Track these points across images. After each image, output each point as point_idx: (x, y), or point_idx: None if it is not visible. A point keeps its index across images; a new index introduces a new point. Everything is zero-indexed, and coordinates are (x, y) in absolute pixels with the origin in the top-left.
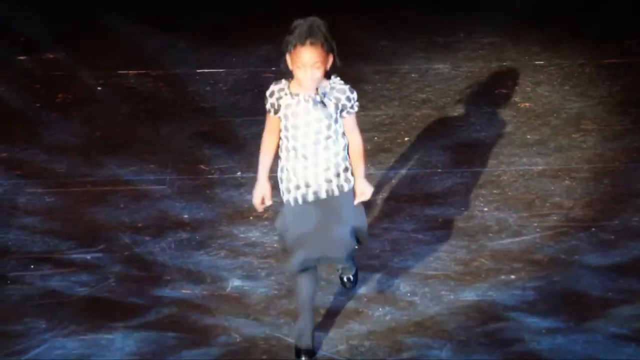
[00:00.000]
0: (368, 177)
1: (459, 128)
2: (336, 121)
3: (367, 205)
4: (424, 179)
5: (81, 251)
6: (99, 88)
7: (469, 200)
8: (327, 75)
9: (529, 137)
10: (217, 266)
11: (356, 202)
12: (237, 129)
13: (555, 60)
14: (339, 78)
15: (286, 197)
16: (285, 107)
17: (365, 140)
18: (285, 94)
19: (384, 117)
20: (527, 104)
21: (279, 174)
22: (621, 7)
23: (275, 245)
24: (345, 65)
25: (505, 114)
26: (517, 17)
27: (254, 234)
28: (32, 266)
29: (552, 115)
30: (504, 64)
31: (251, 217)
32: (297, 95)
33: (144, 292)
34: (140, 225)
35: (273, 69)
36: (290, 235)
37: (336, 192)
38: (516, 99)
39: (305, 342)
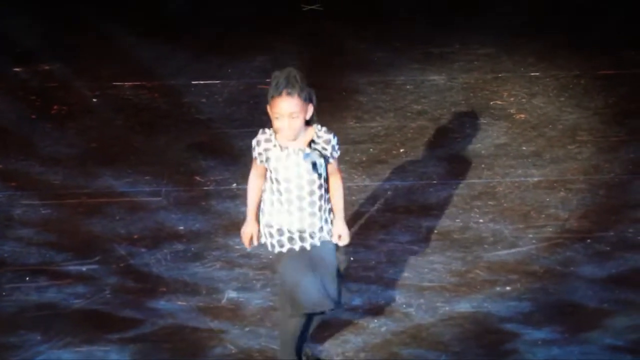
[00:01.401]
0: (364, 188)
1: (455, 139)
2: (325, 169)
3: (361, 216)
4: (420, 190)
5: (77, 263)
6: (94, 99)
7: (464, 211)
8: (308, 123)
9: (524, 148)
10: (212, 278)
11: (335, 242)
12: (233, 140)
13: (550, 71)
14: (320, 126)
15: (277, 249)
16: (275, 160)
17: (361, 152)
18: (274, 146)
19: (379, 129)
20: (522, 115)
21: (266, 227)
22: (616, 18)
23: (270, 257)
24: (340, 76)
25: (500, 125)
26: (512, 28)
27: None
28: (27, 278)
29: (548, 127)
30: (500, 75)
31: None
32: (287, 148)
33: (139, 303)
34: (135, 236)
35: (268, 80)
36: (293, 277)
37: (326, 238)
38: (512, 111)
39: None
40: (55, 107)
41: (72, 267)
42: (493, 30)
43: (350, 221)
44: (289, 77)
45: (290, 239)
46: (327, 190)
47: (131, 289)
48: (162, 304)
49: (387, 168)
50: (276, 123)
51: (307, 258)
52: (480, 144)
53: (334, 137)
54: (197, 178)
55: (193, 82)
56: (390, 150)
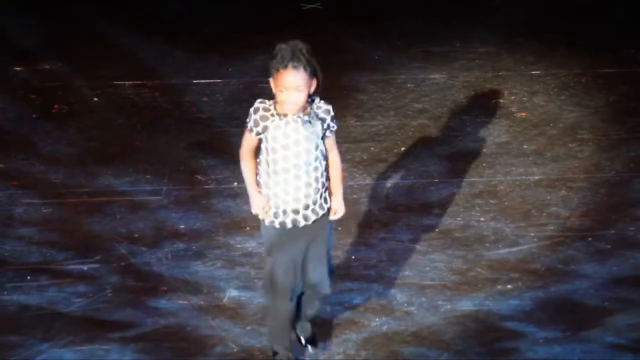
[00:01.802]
0: (365, 187)
1: (456, 138)
2: (322, 141)
3: (362, 215)
4: (421, 188)
5: (78, 262)
6: (95, 98)
7: (465, 210)
8: (310, 99)
9: (525, 146)
10: (213, 276)
11: (331, 218)
12: (234, 139)
13: (551, 69)
14: (318, 99)
15: (275, 220)
16: (274, 128)
17: (362, 150)
18: (272, 115)
19: (380, 127)
20: (523, 114)
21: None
22: (617, 16)
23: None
24: (341, 75)
25: (501, 123)
26: (513, 26)
27: (250, 244)
28: (28, 277)
29: (549, 125)
30: (500, 73)
31: (248, 228)
32: (285, 116)
33: (140, 302)
34: (136, 235)
35: (269, 79)
36: (276, 260)
37: (320, 214)
38: (512, 109)
39: (287, 357)
40: (55, 106)
41: (73, 266)
42: (494, 29)
43: (351, 219)
44: (295, 50)
45: (284, 212)
46: (325, 167)
47: (132, 288)
48: (163, 302)
49: (387, 166)
50: (280, 96)
51: (297, 237)
52: (481, 143)
53: (332, 109)
54: (198, 177)
55: (194, 81)
56: (391, 148)
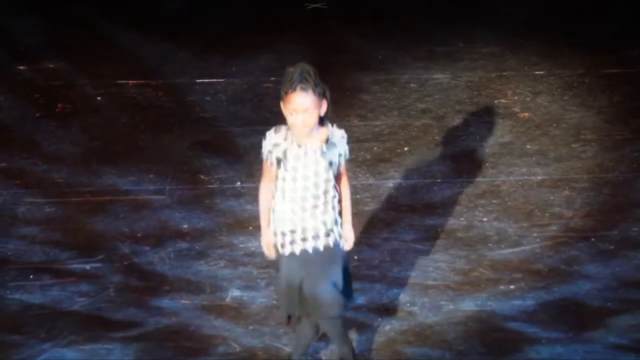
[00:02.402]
0: (368, 187)
1: (459, 138)
2: (335, 170)
3: (366, 215)
4: (424, 188)
5: (80, 261)
6: (98, 98)
7: (468, 210)
8: (322, 121)
9: (528, 147)
10: (216, 276)
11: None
12: (237, 138)
13: (554, 70)
14: (332, 125)
15: (287, 249)
16: (294, 159)
17: (365, 150)
18: (292, 144)
19: (383, 127)
20: (526, 114)
21: (276, 225)
22: (620, 16)
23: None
24: (344, 75)
25: (504, 123)
26: (516, 27)
27: (253, 244)
28: (31, 276)
29: (552, 125)
30: (504, 73)
31: (251, 227)
32: (304, 145)
33: (143, 302)
34: (139, 235)
35: (272, 79)
36: (287, 287)
37: (332, 244)
38: (516, 109)
39: None
40: (59, 105)
41: (76, 266)
42: (497, 29)
43: (354, 220)
44: (302, 73)
45: (302, 240)
46: (336, 193)
47: (135, 287)
48: (165, 302)
49: (390, 166)
50: (290, 119)
51: (317, 264)
52: (485, 143)
53: (347, 137)
54: (201, 176)
55: (197, 81)
56: (394, 148)
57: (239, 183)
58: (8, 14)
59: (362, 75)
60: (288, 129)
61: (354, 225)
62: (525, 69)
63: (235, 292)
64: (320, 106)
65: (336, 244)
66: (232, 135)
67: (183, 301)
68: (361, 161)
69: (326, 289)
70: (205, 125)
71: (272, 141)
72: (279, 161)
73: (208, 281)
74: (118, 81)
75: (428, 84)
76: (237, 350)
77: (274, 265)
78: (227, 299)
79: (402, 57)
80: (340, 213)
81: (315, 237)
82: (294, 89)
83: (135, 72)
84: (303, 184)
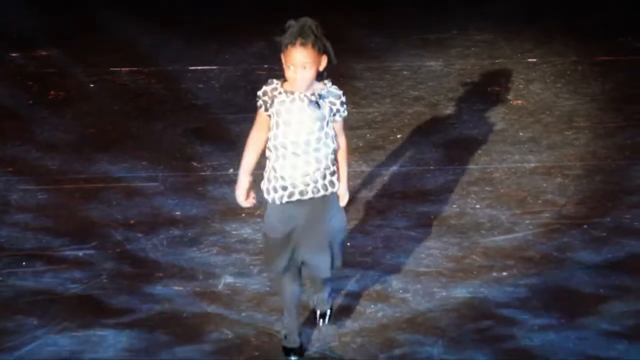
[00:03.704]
0: (361, 174)
1: (452, 125)
2: (328, 124)
3: (358, 202)
4: (416, 176)
5: (73, 248)
6: (91, 85)
7: (461, 197)
8: (320, 76)
9: (521, 134)
10: (209, 263)
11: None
12: (230, 126)
13: (547, 57)
14: (331, 82)
15: (271, 195)
16: (279, 103)
17: (358, 138)
18: (279, 93)
19: (376, 114)
20: (519, 102)
21: (265, 172)
22: (613, 4)
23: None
24: (337, 62)
25: (497, 111)
26: (509, 14)
27: (246, 231)
28: (24, 263)
29: (545, 113)
30: (497, 61)
31: (243, 214)
32: (292, 93)
33: (136, 288)
34: (132, 222)
35: (266, 66)
36: (274, 235)
37: (321, 193)
38: (509, 97)
39: (294, 342)
40: (52, 92)
41: (69, 252)
42: (490, 17)
43: (346, 207)
44: (303, 27)
45: (283, 187)
46: (332, 148)
47: (128, 274)
48: (158, 289)
49: (383, 154)
50: (288, 72)
51: (304, 212)
52: (477, 130)
53: (343, 95)
54: (194, 163)
55: (190, 68)
56: (387, 136)
57: (231, 170)
58: (1, 2)
59: (355, 63)
60: (281, 82)
61: (346, 210)
62: (518, 57)
63: (228, 279)
64: (319, 62)
65: (321, 196)
66: (225, 123)
67: (176, 288)
68: (354, 148)
69: (310, 249)
70: (198, 112)
71: (263, 89)
72: (266, 106)
73: (201, 268)
74: (111, 68)
75: (421, 72)
76: (230, 336)
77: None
78: (220, 286)
79: (394, 44)
80: (334, 171)
81: (293, 185)
82: (294, 43)
83: (128, 60)
84: (283, 129)
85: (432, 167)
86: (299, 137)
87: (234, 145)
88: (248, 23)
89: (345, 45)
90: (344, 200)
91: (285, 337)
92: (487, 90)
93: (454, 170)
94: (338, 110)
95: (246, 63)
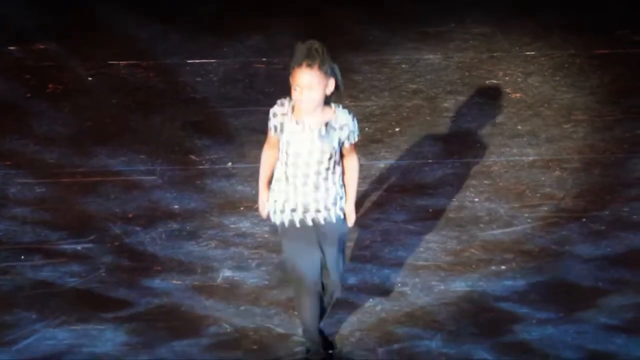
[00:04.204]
0: (360, 168)
1: (450, 119)
2: (336, 153)
3: (357, 195)
4: (415, 169)
5: (72, 241)
6: (89, 78)
7: (459, 190)
8: (328, 100)
9: (519, 127)
10: (207, 257)
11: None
12: (228, 119)
13: (546, 50)
14: (341, 107)
15: (279, 218)
16: (289, 133)
17: None
18: (290, 120)
19: (374, 108)
20: (518, 95)
21: (272, 192)
22: None
23: (265, 236)
24: (336, 55)
25: (496, 104)
26: (508, 7)
27: (244, 225)
28: (22, 257)
29: (543, 106)
30: (495, 54)
31: (242, 208)
32: (303, 122)
33: (134, 282)
34: (130, 215)
35: (264, 59)
36: (292, 257)
37: (332, 220)
38: (507, 90)
39: (320, 353)
40: (50, 86)
41: (67, 246)
42: (489, 9)
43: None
44: (310, 49)
45: (293, 210)
46: (340, 172)
47: (126, 267)
48: (157, 282)
49: (382, 147)
50: (294, 94)
51: (309, 235)
52: (476, 123)
53: (352, 120)
54: (192, 157)
55: (188, 61)
56: (385, 129)
57: (230, 164)
58: None
59: (353, 56)
60: (291, 106)
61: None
62: (517, 50)
63: (227, 273)
64: (326, 84)
65: (329, 222)
66: (223, 116)
67: (174, 282)
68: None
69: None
70: (197, 106)
71: (274, 110)
72: (276, 129)
73: (199, 262)
74: (109, 62)
75: (419, 65)
76: (229, 330)
77: (266, 245)
78: (218, 280)
79: (393, 37)
80: (343, 195)
81: (305, 211)
82: (300, 65)
83: (126, 53)
84: (294, 160)
85: (430, 161)
86: (309, 168)
87: (232, 139)
88: (246, 16)
89: (343, 38)
90: (350, 220)
91: (309, 350)
92: (485, 84)
93: (453, 164)
94: (348, 138)
95: (244, 56)
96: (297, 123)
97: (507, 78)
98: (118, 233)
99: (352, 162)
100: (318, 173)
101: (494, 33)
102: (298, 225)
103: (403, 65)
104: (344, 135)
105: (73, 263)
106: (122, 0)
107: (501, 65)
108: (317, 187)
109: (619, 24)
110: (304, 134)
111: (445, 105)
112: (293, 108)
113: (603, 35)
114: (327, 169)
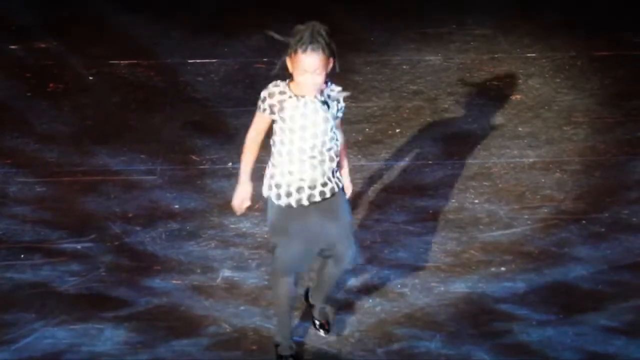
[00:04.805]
0: (360, 168)
1: (450, 120)
2: (333, 122)
3: (357, 196)
4: (415, 170)
5: (72, 241)
6: (90, 77)
7: (459, 192)
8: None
9: (520, 129)
10: (207, 257)
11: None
12: (229, 119)
13: (546, 52)
14: (330, 81)
15: (284, 200)
16: (292, 109)
17: (357, 132)
18: (290, 97)
19: (375, 109)
20: (518, 96)
21: (273, 178)
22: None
23: (265, 236)
24: (336, 56)
25: (496, 106)
26: (509, 8)
27: (244, 225)
28: (22, 256)
29: (544, 108)
30: (496, 56)
31: None
32: (303, 97)
33: (134, 282)
34: (130, 215)
35: (265, 59)
36: (282, 243)
37: (336, 190)
38: (507, 91)
39: (290, 348)
40: (50, 84)
41: (67, 245)
42: (489, 11)
43: None
44: (313, 33)
45: (297, 190)
46: (338, 147)
47: (126, 267)
48: (156, 282)
49: (382, 148)
50: (298, 78)
51: (305, 217)
52: (476, 125)
53: (343, 92)
54: (193, 157)
55: (189, 61)
56: (385, 130)
57: (230, 164)
58: None
59: (353, 57)
60: (287, 83)
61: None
62: (517, 52)
63: (226, 273)
64: (328, 65)
65: (336, 192)
66: (223, 116)
67: (174, 281)
68: (352, 142)
69: (341, 241)
70: (197, 105)
71: (269, 90)
72: (272, 110)
73: (199, 261)
74: (110, 61)
75: (420, 66)
76: (228, 330)
77: (266, 245)
78: (218, 280)
79: (393, 38)
80: (338, 164)
81: (312, 187)
82: (305, 50)
83: (127, 52)
84: (300, 135)
85: (430, 162)
86: (316, 139)
87: (233, 139)
88: (246, 16)
89: (343, 39)
90: (349, 191)
91: (279, 344)
92: (486, 85)
93: (453, 165)
94: (341, 108)
95: (245, 56)
96: (297, 99)
97: (507, 80)
98: (118, 232)
99: (342, 135)
100: (324, 143)
101: (494, 34)
102: (306, 203)
103: (404, 66)
104: (339, 105)
105: (73, 262)
106: (123, 0)
107: (502, 67)
108: (323, 159)
109: (620, 26)
110: (307, 107)
111: (446, 106)
112: (289, 86)
113: (604, 37)
114: (331, 139)
